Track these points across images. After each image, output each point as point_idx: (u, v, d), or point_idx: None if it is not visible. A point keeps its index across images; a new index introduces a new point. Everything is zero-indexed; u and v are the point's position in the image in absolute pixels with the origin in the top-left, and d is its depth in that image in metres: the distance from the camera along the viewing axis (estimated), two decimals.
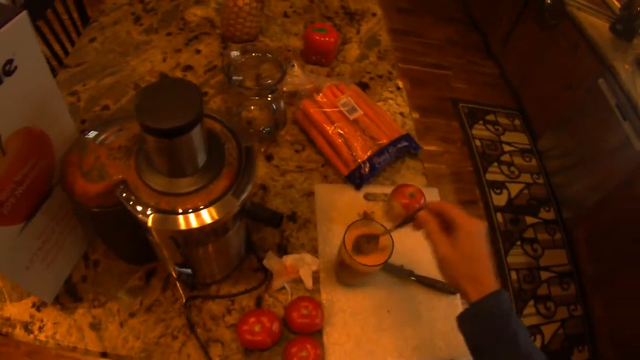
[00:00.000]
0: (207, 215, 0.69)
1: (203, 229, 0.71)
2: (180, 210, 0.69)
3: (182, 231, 0.69)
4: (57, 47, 1.71)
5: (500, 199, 2.93)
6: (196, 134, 0.65)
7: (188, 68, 1.44)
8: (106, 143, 0.77)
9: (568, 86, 2.87)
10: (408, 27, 4.00)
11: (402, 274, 1.06)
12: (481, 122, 3.38)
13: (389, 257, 0.90)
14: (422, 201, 1.11)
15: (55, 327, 0.92)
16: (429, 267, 1.07)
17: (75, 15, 1.82)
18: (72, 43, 1.74)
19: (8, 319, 0.93)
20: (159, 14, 1.61)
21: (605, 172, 2.53)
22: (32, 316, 0.93)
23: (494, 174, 3.06)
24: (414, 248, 1.10)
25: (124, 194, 0.70)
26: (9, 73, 0.64)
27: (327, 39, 1.45)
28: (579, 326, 2.50)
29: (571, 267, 2.72)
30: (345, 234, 0.92)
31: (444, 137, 3.20)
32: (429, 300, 1.05)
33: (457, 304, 1.05)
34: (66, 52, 1.65)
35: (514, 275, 2.59)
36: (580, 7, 2.80)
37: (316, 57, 1.50)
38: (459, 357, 0.99)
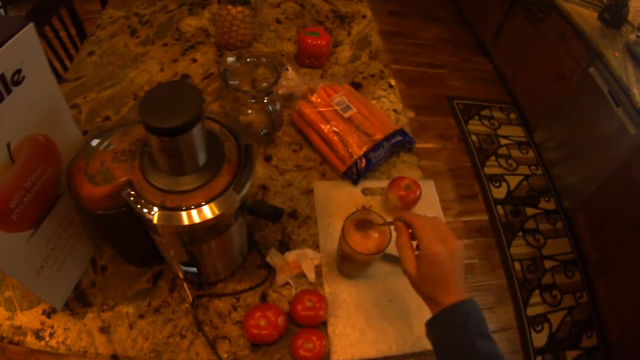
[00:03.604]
0: (209, 211, 0.72)
1: (206, 224, 0.73)
2: (185, 207, 0.72)
3: (187, 227, 0.72)
4: (56, 64, 1.73)
5: (499, 192, 2.95)
6: (197, 132, 0.69)
7: (187, 76, 1.46)
8: (111, 148, 0.79)
9: (560, 77, 2.90)
10: (399, 29, 4.04)
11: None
12: (476, 117, 3.41)
13: (387, 246, 0.92)
14: (418, 192, 1.14)
15: (65, 333, 0.94)
16: None
17: (72, 31, 1.85)
18: (71, 59, 1.77)
19: (19, 328, 0.94)
20: (155, 25, 1.64)
21: (602, 159, 2.55)
22: (42, 323, 0.95)
23: (492, 168, 3.08)
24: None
25: (130, 195, 0.73)
26: (17, 83, 0.66)
27: (319, 42, 1.48)
28: (585, 312, 2.51)
29: (574, 254, 2.73)
30: (344, 224, 0.94)
31: (440, 134, 3.23)
32: None
33: None
34: (65, 68, 1.68)
35: (517, 265, 2.61)
36: None
37: (309, 60, 1.54)
38: None
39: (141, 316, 0.97)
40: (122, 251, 1.02)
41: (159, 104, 0.66)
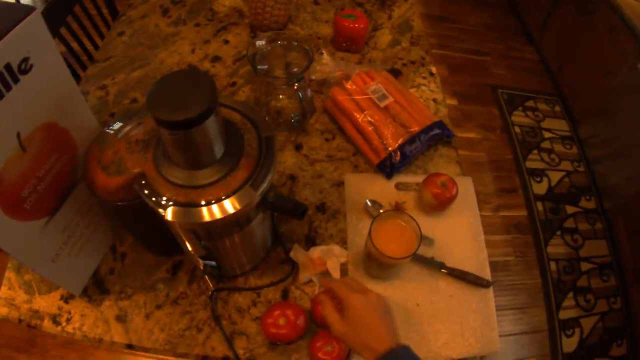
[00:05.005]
0: (225, 207, 0.69)
1: (223, 221, 0.69)
2: (198, 203, 0.68)
3: (202, 224, 0.68)
4: (87, 42, 1.71)
5: (540, 187, 2.85)
6: (211, 124, 0.64)
7: (216, 59, 1.44)
8: (126, 136, 0.77)
9: (607, 71, 2.78)
10: (445, 13, 3.92)
11: (432, 266, 1.03)
12: (520, 108, 3.29)
13: (417, 249, 0.88)
14: (454, 191, 1.07)
15: (82, 319, 0.94)
16: (460, 259, 1.05)
17: (104, 10, 1.83)
18: (103, 38, 1.76)
19: (37, 312, 0.95)
20: (187, 5, 1.62)
21: None
22: (60, 308, 0.95)
23: (534, 162, 2.97)
24: (444, 239, 1.08)
25: (143, 188, 0.70)
26: (25, 71, 0.65)
27: (356, 25, 1.42)
28: (618, 320, 2.42)
29: (611, 258, 2.63)
30: (371, 225, 0.89)
31: (483, 124, 3.14)
32: (461, 293, 1.02)
33: (490, 297, 1.02)
34: (97, 48, 1.66)
35: (553, 265, 2.52)
36: None
37: (346, 44, 1.48)
38: (490, 354, 0.96)
39: (158, 307, 0.96)
40: (142, 240, 1.01)
41: (170, 95, 0.62)
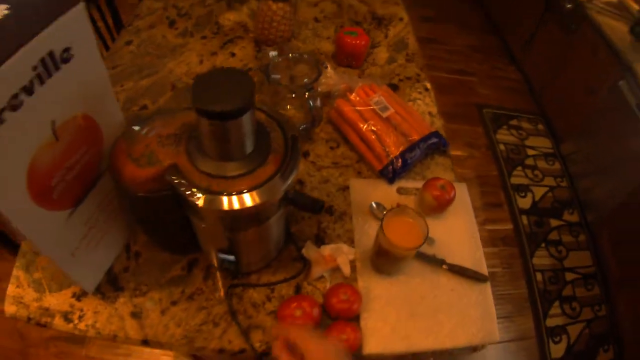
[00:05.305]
0: (254, 198, 0.74)
1: (249, 211, 0.74)
2: (230, 192, 0.73)
3: (231, 212, 0.73)
4: None
5: (525, 202, 2.94)
6: (247, 119, 0.70)
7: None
8: (155, 132, 0.81)
9: (589, 89, 2.88)
10: (432, 35, 4.04)
11: (434, 263, 1.10)
12: (505, 127, 3.40)
13: (424, 242, 0.94)
14: (453, 194, 1.15)
15: (95, 316, 0.94)
16: (459, 257, 1.12)
17: (110, 21, 1.88)
18: (107, 49, 1.80)
19: (47, 309, 0.95)
20: (193, 18, 1.67)
21: (628, 174, 2.54)
22: (72, 306, 0.96)
23: (518, 178, 3.07)
24: (444, 239, 1.15)
25: (175, 178, 0.75)
26: (66, 60, 0.67)
27: (358, 41, 1.49)
28: (603, 326, 2.50)
29: (595, 268, 2.72)
30: (382, 219, 0.96)
31: (469, 142, 3.24)
32: (461, 287, 1.08)
33: (488, 291, 1.09)
34: (102, 57, 1.71)
35: (539, 276, 2.61)
36: (600, 11, 2.81)
37: (347, 59, 1.55)
38: (491, 342, 1.02)
39: (174, 303, 0.98)
40: (158, 237, 1.03)
41: (212, 88, 0.68)
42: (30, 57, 0.60)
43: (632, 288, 2.45)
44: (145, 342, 0.93)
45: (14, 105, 0.59)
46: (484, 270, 1.11)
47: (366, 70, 1.59)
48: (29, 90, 0.61)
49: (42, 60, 0.62)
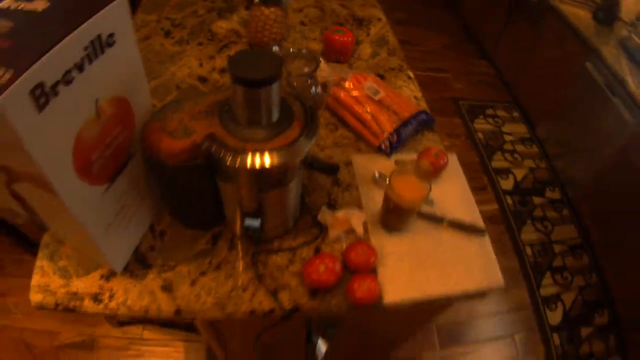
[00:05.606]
0: (285, 155, 0.85)
1: (279, 169, 0.86)
2: (265, 150, 0.84)
3: (265, 169, 0.84)
4: None
5: (507, 184, 3.09)
6: (275, 88, 0.82)
7: (224, 71, 1.59)
8: (185, 112, 0.90)
9: (559, 75, 3.06)
10: (407, 37, 4.21)
11: (436, 221, 1.22)
12: (481, 116, 3.57)
13: (428, 194, 1.07)
14: (446, 159, 1.29)
15: (126, 294, 0.98)
16: (457, 214, 1.25)
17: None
18: None
19: (75, 294, 0.97)
20: (188, 27, 1.77)
21: (601, 147, 2.70)
22: (101, 287, 0.99)
23: (499, 162, 3.23)
24: (442, 199, 1.27)
25: (212, 145, 0.85)
26: (110, 45, 0.73)
27: (345, 38, 1.64)
28: (595, 294, 2.63)
29: (581, 240, 2.86)
30: (390, 177, 1.09)
31: (448, 133, 3.39)
32: (462, 241, 1.20)
33: (487, 243, 1.20)
34: None
35: (528, 250, 2.74)
36: (563, 1, 3.00)
37: (336, 55, 1.69)
38: (497, 287, 1.13)
39: (203, 273, 1.04)
40: (183, 213, 1.09)
41: (246, 63, 0.81)
42: (83, 38, 0.66)
43: (616, 254, 2.61)
44: (178, 312, 0.98)
45: (68, 80, 0.65)
46: (481, 224, 1.23)
47: (353, 65, 1.72)
48: (80, 67, 0.67)
49: (92, 42, 0.68)
